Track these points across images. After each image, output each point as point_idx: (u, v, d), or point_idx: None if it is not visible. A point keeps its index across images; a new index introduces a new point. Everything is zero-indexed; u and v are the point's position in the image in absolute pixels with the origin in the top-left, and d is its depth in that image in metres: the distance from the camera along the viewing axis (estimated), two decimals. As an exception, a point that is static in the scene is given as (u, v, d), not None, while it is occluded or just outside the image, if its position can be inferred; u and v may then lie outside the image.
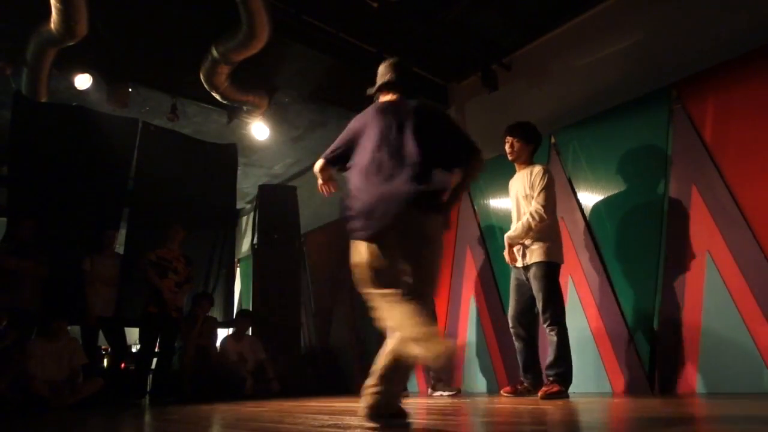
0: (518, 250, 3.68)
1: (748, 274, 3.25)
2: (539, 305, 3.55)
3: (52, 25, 4.08)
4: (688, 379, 3.42)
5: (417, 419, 2.17)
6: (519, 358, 3.74)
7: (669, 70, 3.91)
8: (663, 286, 3.62)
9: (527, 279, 3.65)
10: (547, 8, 4.68)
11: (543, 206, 3.54)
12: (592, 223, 4.14)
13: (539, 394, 3.38)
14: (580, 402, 3.06)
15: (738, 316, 3.26)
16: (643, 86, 4.00)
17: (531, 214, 3.55)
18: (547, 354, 3.51)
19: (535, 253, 3.58)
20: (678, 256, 3.60)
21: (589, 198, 4.20)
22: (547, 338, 3.52)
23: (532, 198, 3.61)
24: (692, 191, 3.59)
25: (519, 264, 3.69)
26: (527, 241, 3.62)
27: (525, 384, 3.69)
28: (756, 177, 3.31)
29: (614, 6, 4.48)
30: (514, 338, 3.78)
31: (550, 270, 3.55)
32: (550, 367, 3.46)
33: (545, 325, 3.51)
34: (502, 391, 3.85)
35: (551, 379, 3.44)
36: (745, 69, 3.46)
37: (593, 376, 3.91)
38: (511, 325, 3.77)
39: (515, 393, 3.68)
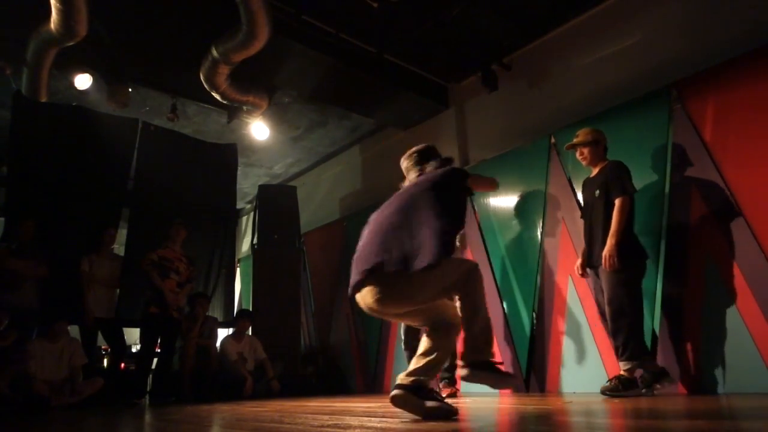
0: None
1: (748, 274, 3.25)
2: None
3: (52, 25, 4.08)
4: (688, 378, 3.42)
5: (418, 419, 2.17)
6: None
7: (669, 70, 3.91)
8: (663, 286, 3.61)
9: None
10: (547, 8, 4.68)
11: None
12: (592, 223, 4.12)
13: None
14: (579, 402, 3.06)
15: (738, 316, 3.26)
16: (643, 86, 4.00)
17: None
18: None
19: None
20: (678, 256, 3.59)
21: (589, 198, 4.19)
22: None
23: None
24: (692, 191, 3.59)
25: None
26: None
27: None
28: (756, 177, 3.31)
29: (614, 6, 4.48)
30: (404, 348, 4.07)
31: None
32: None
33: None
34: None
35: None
36: (745, 69, 3.46)
37: (592, 376, 3.91)
38: (403, 332, 4.03)
39: None
